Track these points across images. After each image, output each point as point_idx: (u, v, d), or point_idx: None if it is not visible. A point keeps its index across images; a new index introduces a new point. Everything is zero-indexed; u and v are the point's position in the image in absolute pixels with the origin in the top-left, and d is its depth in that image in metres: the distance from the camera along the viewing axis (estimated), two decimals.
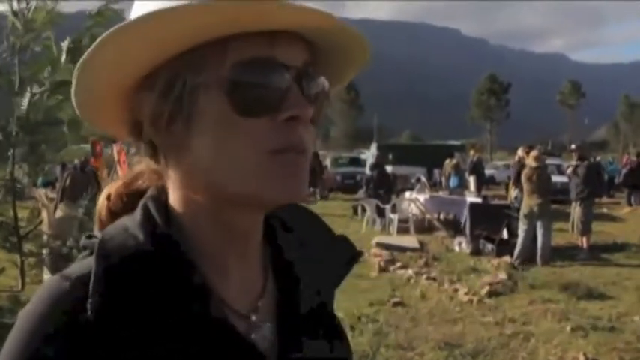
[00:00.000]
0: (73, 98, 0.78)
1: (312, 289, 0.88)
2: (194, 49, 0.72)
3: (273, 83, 0.73)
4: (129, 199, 0.86)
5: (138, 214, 0.79)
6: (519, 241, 11.02)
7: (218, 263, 0.80)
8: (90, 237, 0.82)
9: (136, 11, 0.77)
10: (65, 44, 3.13)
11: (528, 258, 10.92)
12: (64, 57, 3.13)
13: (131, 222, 0.79)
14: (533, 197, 10.98)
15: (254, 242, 0.84)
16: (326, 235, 0.96)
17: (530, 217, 11.00)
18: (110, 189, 0.89)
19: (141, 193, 0.85)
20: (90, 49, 0.71)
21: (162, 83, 0.74)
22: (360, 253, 0.99)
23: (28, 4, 3.09)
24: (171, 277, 0.74)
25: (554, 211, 12.67)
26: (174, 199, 0.80)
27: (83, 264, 0.77)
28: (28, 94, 3.00)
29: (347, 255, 0.97)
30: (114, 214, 0.86)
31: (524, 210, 11.13)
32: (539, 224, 10.99)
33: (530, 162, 11.23)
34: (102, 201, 0.89)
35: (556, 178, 15.12)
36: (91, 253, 0.76)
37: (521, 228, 11.07)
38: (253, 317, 0.82)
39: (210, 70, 0.73)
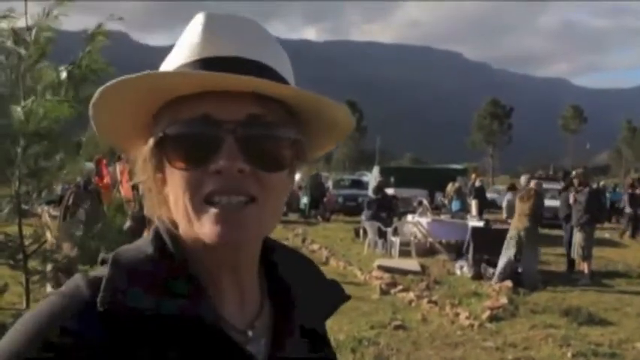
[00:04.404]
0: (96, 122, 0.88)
1: (305, 314, 0.95)
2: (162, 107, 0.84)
3: (204, 138, 0.80)
4: None
5: (150, 235, 0.88)
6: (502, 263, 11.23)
7: (215, 284, 0.87)
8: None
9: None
10: (64, 68, 3.20)
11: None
12: (64, 80, 3.21)
13: (143, 241, 0.88)
14: (523, 220, 11.21)
15: (245, 272, 0.90)
16: (319, 277, 1.05)
17: (518, 241, 11.24)
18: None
19: None
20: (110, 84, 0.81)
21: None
22: (348, 297, 1.07)
23: (28, 26, 3.16)
24: (172, 284, 0.81)
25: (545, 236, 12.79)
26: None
27: (99, 271, 0.83)
28: (22, 102, 3.09)
29: (337, 295, 1.05)
30: None
31: (511, 232, 11.33)
32: (525, 249, 11.21)
33: (526, 184, 11.35)
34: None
35: (548, 202, 14.88)
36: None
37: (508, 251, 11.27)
38: (250, 333, 0.88)
39: (159, 126, 0.83)
